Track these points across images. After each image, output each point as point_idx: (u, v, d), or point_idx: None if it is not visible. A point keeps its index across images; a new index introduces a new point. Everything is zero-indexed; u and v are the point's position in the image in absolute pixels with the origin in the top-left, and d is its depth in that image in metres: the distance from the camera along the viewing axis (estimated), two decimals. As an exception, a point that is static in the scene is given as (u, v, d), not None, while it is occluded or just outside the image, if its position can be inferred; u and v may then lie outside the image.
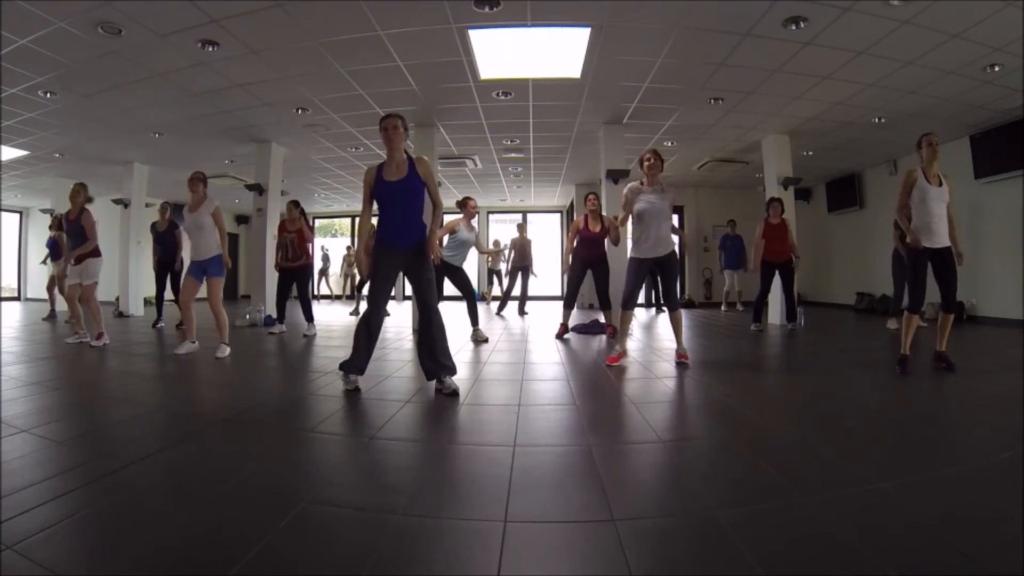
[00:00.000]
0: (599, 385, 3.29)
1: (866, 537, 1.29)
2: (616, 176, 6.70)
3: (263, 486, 1.65)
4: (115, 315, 8.19)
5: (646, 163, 3.77)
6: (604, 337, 5.45)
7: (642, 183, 3.84)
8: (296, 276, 5.97)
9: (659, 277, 3.97)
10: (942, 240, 3.47)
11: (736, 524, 1.36)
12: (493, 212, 13.67)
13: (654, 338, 5.59)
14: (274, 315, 6.10)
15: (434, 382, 2.95)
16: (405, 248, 2.90)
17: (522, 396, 2.87)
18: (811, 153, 7.99)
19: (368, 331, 2.93)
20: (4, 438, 2.04)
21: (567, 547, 1.32)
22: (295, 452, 2.04)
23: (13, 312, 9.07)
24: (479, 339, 5.14)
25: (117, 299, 8.90)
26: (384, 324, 7.13)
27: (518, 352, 4.52)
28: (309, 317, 5.91)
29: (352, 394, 2.89)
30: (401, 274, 3.00)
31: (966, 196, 7.00)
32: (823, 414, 2.59)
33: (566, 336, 5.47)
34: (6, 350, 4.46)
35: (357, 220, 9.56)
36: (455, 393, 2.84)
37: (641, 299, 9.89)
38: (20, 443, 2.00)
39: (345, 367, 2.97)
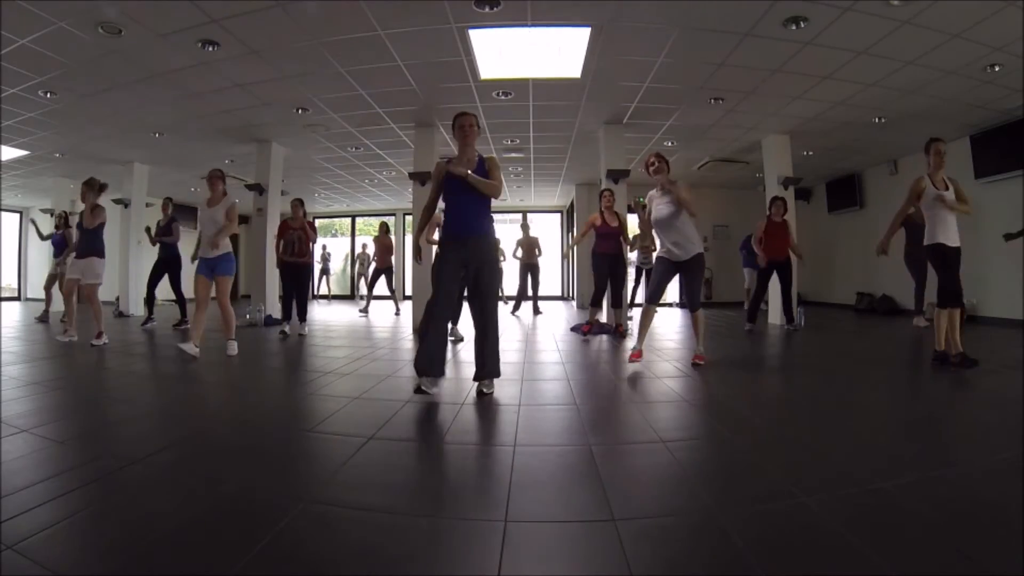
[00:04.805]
0: (599, 385, 3.30)
1: (866, 537, 1.29)
2: (616, 176, 6.69)
3: (263, 486, 1.65)
4: (115, 315, 8.19)
5: (651, 167, 3.75)
6: (608, 336, 5.46)
7: (658, 190, 3.82)
8: (300, 272, 6.01)
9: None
10: (957, 239, 3.58)
11: (736, 524, 1.36)
12: (493, 212, 13.64)
13: (653, 338, 5.58)
14: (275, 315, 6.09)
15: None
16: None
17: (522, 396, 2.87)
18: (811, 153, 7.99)
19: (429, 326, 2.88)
20: (4, 438, 2.04)
21: (567, 547, 1.32)
22: (295, 452, 2.04)
23: (13, 312, 9.06)
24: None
25: (117, 299, 8.89)
26: (384, 323, 7.22)
27: (520, 352, 4.52)
28: (303, 316, 5.91)
29: (351, 394, 2.89)
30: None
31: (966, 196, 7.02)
32: (823, 414, 2.59)
33: (586, 337, 5.44)
34: (6, 350, 4.46)
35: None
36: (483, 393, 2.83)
37: (639, 299, 9.85)
38: (20, 443, 2.00)
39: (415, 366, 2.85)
